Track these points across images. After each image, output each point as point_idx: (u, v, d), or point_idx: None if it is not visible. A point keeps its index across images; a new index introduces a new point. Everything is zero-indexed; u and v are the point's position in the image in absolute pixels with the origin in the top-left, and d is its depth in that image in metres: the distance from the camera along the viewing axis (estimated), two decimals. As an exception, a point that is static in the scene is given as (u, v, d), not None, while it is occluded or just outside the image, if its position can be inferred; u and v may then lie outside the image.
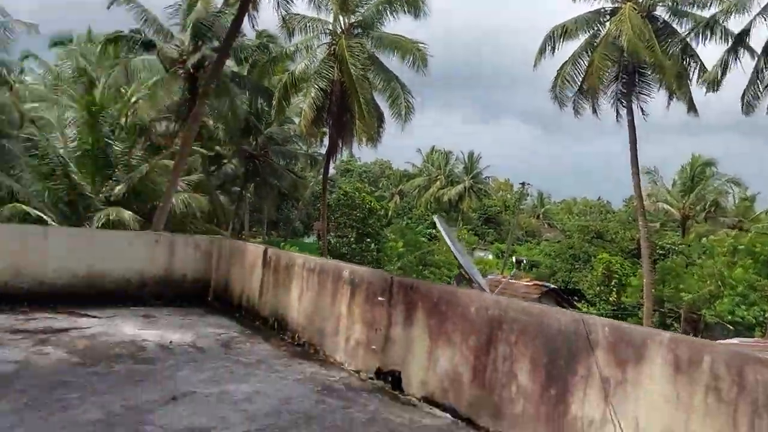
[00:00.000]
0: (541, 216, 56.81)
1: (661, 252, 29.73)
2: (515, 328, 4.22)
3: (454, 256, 5.97)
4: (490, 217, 53.47)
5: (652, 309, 20.76)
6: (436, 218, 8.79)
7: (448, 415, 4.52)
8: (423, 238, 31.75)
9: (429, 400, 4.74)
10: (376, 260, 22.06)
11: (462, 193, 48.62)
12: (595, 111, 21.44)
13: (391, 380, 5.09)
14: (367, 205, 22.55)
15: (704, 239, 30.72)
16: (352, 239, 22.37)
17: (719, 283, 21.71)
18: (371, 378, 5.27)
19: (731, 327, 20.88)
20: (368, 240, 23.24)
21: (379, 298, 5.26)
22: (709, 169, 37.83)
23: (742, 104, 19.38)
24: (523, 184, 33.78)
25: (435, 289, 5.09)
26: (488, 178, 54.38)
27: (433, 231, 34.56)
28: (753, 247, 22.18)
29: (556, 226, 52.82)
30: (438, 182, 49.56)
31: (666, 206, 38.02)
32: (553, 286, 23.56)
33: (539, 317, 4.13)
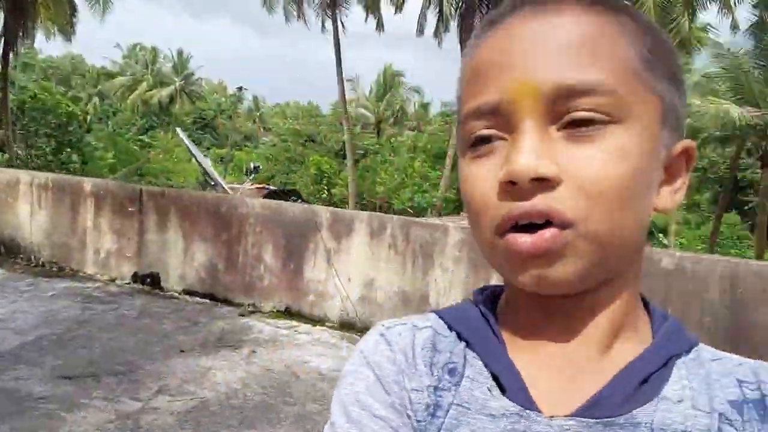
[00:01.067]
0: (257, 120, 57.70)
1: (361, 152, 34.31)
2: (260, 221, 5.29)
3: (199, 164, 6.43)
4: (205, 121, 51.72)
5: (355, 202, 24.67)
6: (178, 130, 8.87)
7: (207, 300, 5.43)
8: (135, 146, 29.32)
9: (189, 292, 5.54)
10: (83, 173, 19.78)
11: (173, 95, 45.47)
12: (302, 18, 22.83)
13: (150, 281, 5.65)
14: (65, 110, 19.61)
15: (393, 140, 36.66)
16: (48, 150, 19.40)
17: (404, 176, 26.73)
18: (128, 283, 5.71)
19: (411, 210, 26.23)
20: (69, 150, 20.48)
21: (130, 209, 5.60)
22: (398, 78, 44.24)
23: (417, 26, 23.40)
24: (240, 88, 33.69)
25: (186, 194, 5.70)
26: (201, 80, 51.76)
27: (145, 138, 32.18)
28: (427, 145, 27.91)
29: (272, 129, 54.63)
30: (145, 83, 44.99)
31: (364, 111, 43.46)
32: (273, 187, 25.30)
33: (278, 210, 5.27)
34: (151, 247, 5.64)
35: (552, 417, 0.42)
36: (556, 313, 0.45)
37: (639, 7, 13.42)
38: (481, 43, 0.45)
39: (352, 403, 0.47)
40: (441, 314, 0.51)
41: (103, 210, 5.78)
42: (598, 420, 0.41)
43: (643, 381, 0.43)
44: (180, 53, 47.58)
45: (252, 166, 10.98)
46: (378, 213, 5.10)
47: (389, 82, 44.13)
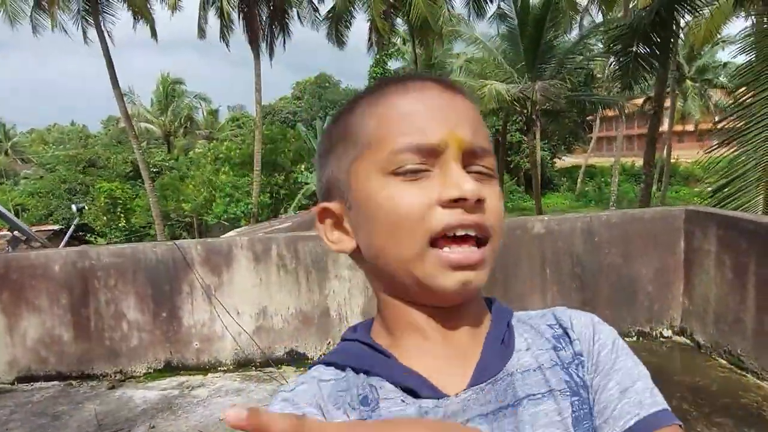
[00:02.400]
0: (9, 151, 48.30)
1: (155, 170, 31.28)
2: (112, 272, 4.39)
3: (3, 216, 4.98)
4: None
5: (163, 225, 22.37)
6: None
7: (56, 382, 4.35)
8: None
9: (26, 378, 4.36)
10: None
11: None
12: (59, 29, 19.59)
13: (-39, 380, 4.30)
14: None
15: (190, 153, 34.18)
16: None
17: (211, 188, 25.18)
18: (-76, 390, 4.25)
19: (226, 223, 25.00)
20: None
21: None
22: (178, 86, 41.15)
23: (198, 28, 21.85)
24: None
25: (-3, 260, 4.43)
26: None
27: None
28: (228, 153, 26.59)
29: (33, 160, 46.37)
30: None
31: (148, 125, 39.57)
32: (56, 227, 21.65)
33: (133, 255, 4.44)
34: (-46, 336, 4.28)
35: (457, 394, 0.53)
36: (438, 315, 0.56)
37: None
38: (395, 96, 0.55)
39: None
40: (326, 361, 0.58)
41: None
42: (486, 382, 0.54)
43: (500, 343, 0.57)
44: None
45: (75, 208, 9.12)
46: (260, 235, 4.63)
47: (169, 91, 40.80)
